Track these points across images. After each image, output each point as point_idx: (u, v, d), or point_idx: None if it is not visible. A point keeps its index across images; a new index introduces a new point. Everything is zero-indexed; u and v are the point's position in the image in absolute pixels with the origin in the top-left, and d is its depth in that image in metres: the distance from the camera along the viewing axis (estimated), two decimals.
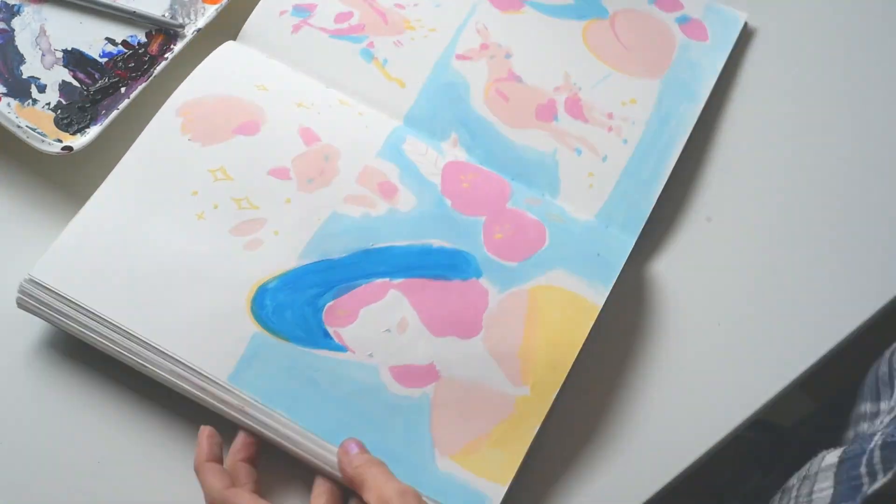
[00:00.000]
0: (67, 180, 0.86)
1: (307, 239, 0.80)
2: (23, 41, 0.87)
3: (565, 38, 0.93)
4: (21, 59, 0.87)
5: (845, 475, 0.75)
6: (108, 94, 0.86)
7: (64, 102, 0.86)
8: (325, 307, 0.79)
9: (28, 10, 0.88)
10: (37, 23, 0.88)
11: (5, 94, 0.85)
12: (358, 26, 0.91)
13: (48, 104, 0.85)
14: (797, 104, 0.94)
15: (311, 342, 0.78)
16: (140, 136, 0.82)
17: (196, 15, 0.89)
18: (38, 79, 0.86)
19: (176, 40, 0.88)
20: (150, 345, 0.77)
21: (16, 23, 0.88)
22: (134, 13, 0.89)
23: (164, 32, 0.89)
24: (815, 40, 0.97)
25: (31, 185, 0.86)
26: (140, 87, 0.85)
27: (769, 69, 0.96)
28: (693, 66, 0.93)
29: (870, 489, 0.71)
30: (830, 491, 0.75)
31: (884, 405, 0.83)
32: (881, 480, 0.71)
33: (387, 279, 0.80)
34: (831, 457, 0.78)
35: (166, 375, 0.77)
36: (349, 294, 0.79)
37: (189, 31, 0.88)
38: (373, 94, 0.88)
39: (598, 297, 0.81)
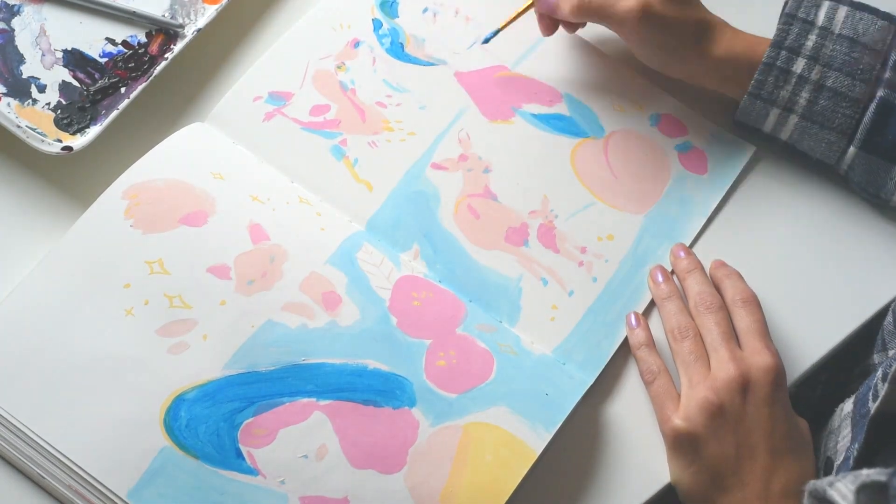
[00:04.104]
0: (67, 180, 0.85)
1: (236, 347, 0.77)
2: (23, 41, 0.87)
3: (552, 157, 0.88)
4: (21, 59, 0.86)
5: (857, 414, 0.78)
6: (108, 94, 0.86)
7: (64, 102, 0.85)
8: (243, 425, 0.75)
9: (28, 10, 0.88)
10: (37, 23, 0.87)
11: (5, 94, 0.85)
12: (333, 121, 0.87)
13: (48, 104, 0.85)
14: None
15: (222, 462, 0.74)
16: (82, 216, 0.79)
17: (196, 15, 0.89)
18: (38, 79, 0.86)
19: (176, 40, 0.88)
20: (51, 453, 0.73)
21: (16, 23, 0.87)
22: (134, 13, 0.88)
23: (164, 32, 0.88)
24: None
25: (31, 185, 0.85)
26: (140, 87, 0.85)
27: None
28: (684, 202, 0.88)
29: (873, 410, 0.74)
30: (850, 434, 0.78)
31: (892, 353, 0.83)
32: (881, 396, 0.73)
33: (313, 399, 0.76)
34: (847, 405, 0.81)
35: (63, 490, 0.73)
36: (270, 412, 0.75)
37: (189, 31, 0.88)
38: (337, 195, 0.85)
39: (538, 441, 0.77)
